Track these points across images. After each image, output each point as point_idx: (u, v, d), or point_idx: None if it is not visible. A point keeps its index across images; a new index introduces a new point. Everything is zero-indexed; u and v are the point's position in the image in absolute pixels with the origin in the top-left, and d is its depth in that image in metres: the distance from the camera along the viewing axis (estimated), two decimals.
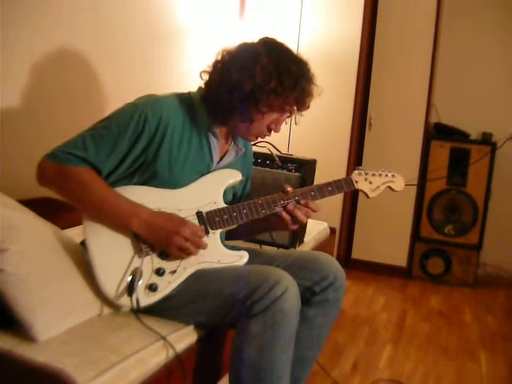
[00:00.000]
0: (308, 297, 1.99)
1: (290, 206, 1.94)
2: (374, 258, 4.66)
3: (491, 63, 4.62)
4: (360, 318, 3.67)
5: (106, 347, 1.60)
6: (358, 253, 4.72)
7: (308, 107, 1.97)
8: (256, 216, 1.94)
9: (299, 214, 1.94)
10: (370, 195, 2.06)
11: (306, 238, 3.05)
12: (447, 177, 4.46)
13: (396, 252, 4.63)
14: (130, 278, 1.79)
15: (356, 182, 2.05)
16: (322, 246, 3.33)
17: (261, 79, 1.83)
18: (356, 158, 4.51)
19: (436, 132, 4.59)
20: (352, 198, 4.60)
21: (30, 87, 2.30)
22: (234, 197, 2.16)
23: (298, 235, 2.87)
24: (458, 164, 4.44)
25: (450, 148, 4.44)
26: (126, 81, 2.83)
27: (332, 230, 3.64)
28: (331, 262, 2.04)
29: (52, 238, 1.82)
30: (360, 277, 4.46)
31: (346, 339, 3.27)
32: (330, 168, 3.69)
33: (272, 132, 1.99)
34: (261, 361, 1.70)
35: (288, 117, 1.99)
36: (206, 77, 1.95)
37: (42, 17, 2.30)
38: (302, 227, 2.94)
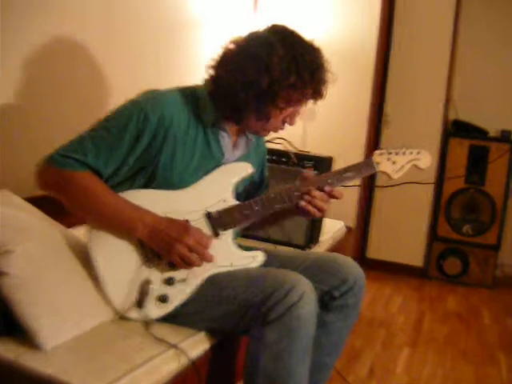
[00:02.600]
0: (326, 301, 1.91)
1: (308, 197, 1.83)
2: (390, 258, 4.56)
3: (511, 58, 4.49)
4: (376, 320, 3.58)
5: (115, 355, 1.53)
6: (373, 252, 4.63)
7: (324, 97, 1.84)
8: (270, 211, 1.84)
9: (320, 204, 1.83)
10: (394, 176, 1.91)
11: (322, 238, 2.97)
12: (465, 175, 4.36)
13: (412, 251, 4.53)
14: (138, 291, 1.72)
15: (377, 163, 1.91)
16: (339, 245, 3.25)
17: (279, 73, 1.71)
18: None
19: (454, 129, 4.48)
20: (368, 195, 4.50)
21: (37, 81, 2.23)
22: (250, 187, 2.07)
23: (313, 235, 2.79)
24: (477, 162, 4.34)
25: (469, 145, 4.34)
26: (138, 73, 2.75)
27: (348, 229, 3.56)
28: (351, 265, 1.96)
29: (59, 239, 1.76)
30: (376, 276, 4.37)
31: (362, 342, 3.18)
32: (342, 165, 3.58)
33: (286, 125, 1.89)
34: (277, 370, 1.63)
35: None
36: (212, 72, 1.83)
37: (51, 7, 2.23)
38: (318, 227, 2.85)
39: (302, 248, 2.73)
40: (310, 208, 1.83)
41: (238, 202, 1.83)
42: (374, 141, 4.43)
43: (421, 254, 4.52)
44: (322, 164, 2.71)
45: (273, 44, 1.72)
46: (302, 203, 1.83)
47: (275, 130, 1.89)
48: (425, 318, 3.68)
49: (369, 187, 4.47)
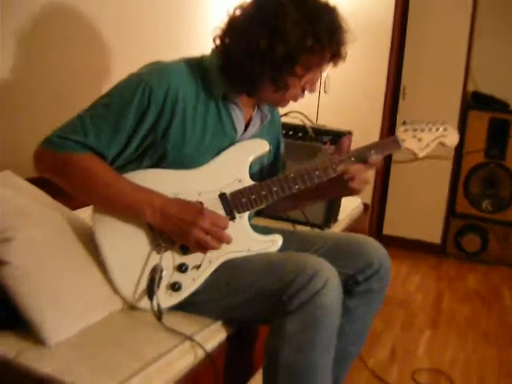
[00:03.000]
0: (350, 286, 1.79)
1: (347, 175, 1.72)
2: (407, 234, 4.45)
3: None
4: (395, 299, 3.46)
5: (125, 350, 1.41)
6: (389, 229, 4.51)
7: (345, 58, 1.69)
8: (288, 192, 1.70)
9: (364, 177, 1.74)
10: (420, 154, 1.80)
11: (341, 216, 2.84)
12: (485, 149, 4.21)
13: (430, 228, 4.42)
14: (149, 278, 1.59)
15: (403, 140, 1.79)
16: (356, 223, 3.13)
17: (295, 38, 1.55)
18: (389, 129, 4.26)
19: (474, 102, 4.31)
20: (384, 171, 4.37)
21: (41, 55, 2.09)
22: (265, 166, 1.93)
23: (332, 213, 2.66)
24: (497, 136, 4.19)
25: (489, 119, 4.19)
26: (148, 45, 2.60)
27: (365, 206, 3.43)
28: (376, 247, 1.84)
29: (63, 224, 1.63)
30: (393, 254, 4.16)
31: (381, 324, 3.06)
32: (362, 140, 3.44)
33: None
34: (299, 363, 1.51)
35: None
36: (219, 42, 1.67)
37: None
38: (336, 205, 2.72)
39: (321, 227, 2.61)
40: (354, 184, 1.73)
41: (254, 182, 1.69)
42: (391, 114, 4.28)
43: (438, 231, 4.40)
44: (340, 138, 2.56)
45: (284, 6, 1.56)
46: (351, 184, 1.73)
47: (295, 99, 1.74)
48: (444, 298, 3.57)
49: (385, 162, 4.33)
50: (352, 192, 1.77)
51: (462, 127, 4.21)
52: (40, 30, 2.06)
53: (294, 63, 1.59)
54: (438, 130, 1.82)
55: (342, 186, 1.75)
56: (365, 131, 3.87)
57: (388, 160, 4.32)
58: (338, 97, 3.89)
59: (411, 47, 4.24)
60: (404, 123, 1.81)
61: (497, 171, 4.23)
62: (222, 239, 1.59)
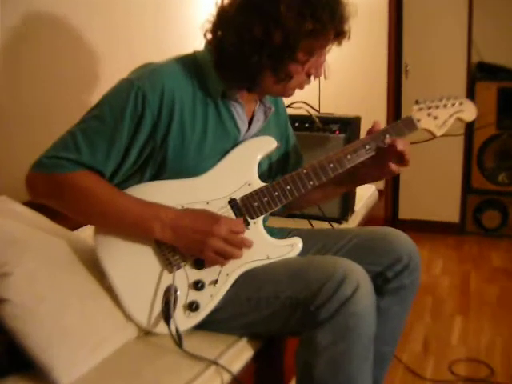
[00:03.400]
0: (380, 285, 1.66)
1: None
2: (423, 216, 4.29)
3: None
4: (420, 286, 3.30)
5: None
6: (405, 212, 4.35)
7: (349, 35, 1.53)
8: (303, 190, 1.57)
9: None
10: (438, 133, 1.69)
11: (357, 207, 2.71)
12: (496, 120, 4.04)
13: (446, 207, 4.25)
14: (163, 300, 1.46)
15: (418, 120, 1.67)
16: (373, 212, 3.00)
17: (292, 22, 1.39)
18: (394, 110, 4.12)
19: (479, 73, 4.15)
20: None
21: (32, 70, 1.96)
22: (273, 164, 1.78)
23: (348, 205, 2.53)
24: (508, 105, 4.02)
25: (498, 88, 4.02)
26: (137, 48, 2.46)
27: (379, 193, 3.30)
28: (403, 240, 1.72)
29: (65, 249, 1.51)
30: (411, 238, 4.08)
31: (410, 315, 2.89)
32: (369, 124, 3.31)
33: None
34: (336, 378, 1.38)
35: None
36: (211, 35, 1.52)
37: None
38: (352, 196, 2.59)
39: (338, 221, 2.48)
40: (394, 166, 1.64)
41: (264, 184, 1.56)
42: (395, 94, 4.13)
43: (456, 209, 4.24)
44: (350, 126, 2.44)
45: None
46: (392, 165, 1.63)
47: (301, 87, 1.59)
48: (471, 279, 3.42)
49: None
50: (383, 175, 1.68)
51: (470, 100, 4.05)
52: (28, 43, 1.93)
53: (295, 49, 1.43)
54: (453, 105, 1.72)
55: (374, 168, 1.66)
56: (370, 114, 3.70)
57: None
58: (340, 82, 3.73)
59: (410, 23, 4.07)
60: (417, 102, 1.70)
61: (510, 142, 4.06)
62: (241, 245, 1.47)
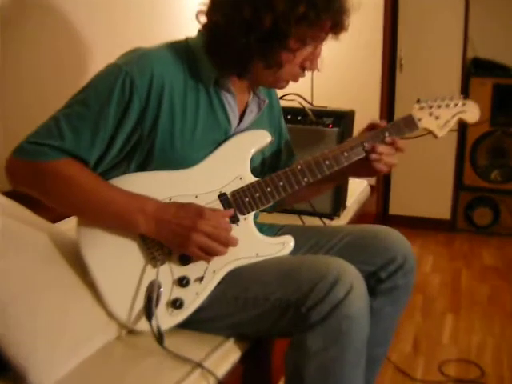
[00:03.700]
0: (373, 285, 1.60)
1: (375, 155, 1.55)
2: (414, 213, 4.24)
3: None
4: None
5: None
6: (395, 208, 4.30)
7: (347, 28, 1.46)
8: (297, 187, 1.51)
9: (390, 160, 1.58)
10: (439, 134, 1.64)
11: (348, 202, 2.65)
12: (490, 117, 3.99)
13: (438, 204, 4.20)
14: (146, 296, 1.40)
15: (419, 119, 1.61)
16: (364, 208, 2.95)
17: (283, 5, 1.31)
18: (388, 104, 4.06)
19: (475, 68, 4.10)
20: None
21: (11, 52, 1.87)
22: (266, 159, 1.72)
23: (340, 200, 2.47)
24: (502, 102, 3.97)
25: (493, 85, 3.97)
26: (121, 31, 2.37)
27: (371, 188, 3.24)
28: (398, 239, 1.66)
29: (46, 242, 1.44)
30: (402, 234, 4.05)
31: None
32: (362, 117, 3.24)
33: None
34: (328, 383, 1.32)
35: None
36: (203, 19, 1.45)
37: None
38: (344, 191, 2.53)
39: (330, 216, 2.42)
40: (380, 165, 1.56)
41: (257, 179, 1.49)
42: (389, 87, 4.07)
43: (447, 206, 4.19)
44: (343, 119, 2.38)
45: None
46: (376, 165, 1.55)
47: (294, 79, 1.51)
48: (461, 277, 3.38)
49: None
50: (374, 173, 1.60)
51: (465, 96, 3.99)
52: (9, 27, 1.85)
53: (286, 35, 1.36)
54: (456, 105, 1.66)
55: (365, 167, 1.58)
56: (363, 108, 3.65)
57: None
58: (333, 74, 3.65)
59: (405, 16, 4.01)
60: (418, 101, 1.64)
61: (504, 139, 4.02)
62: (226, 242, 1.40)
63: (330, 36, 1.46)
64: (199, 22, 1.46)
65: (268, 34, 1.35)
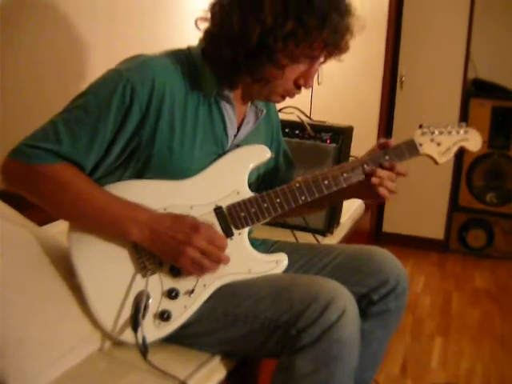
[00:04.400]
0: (364, 307, 1.56)
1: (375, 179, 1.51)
2: (408, 231, 4.23)
3: None
4: None
5: None
6: (389, 226, 4.29)
7: (346, 49, 1.43)
8: (293, 205, 1.47)
9: (390, 185, 1.54)
10: (440, 161, 1.61)
11: (343, 219, 2.62)
12: (489, 139, 3.98)
13: (432, 223, 4.19)
14: (133, 306, 1.36)
15: (420, 144, 1.58)
16: (358, 224, 2.92)
17: (272, 20, 1.29)
18: (387, 122, 4.04)
19: (475, 89, 4.09)
20: None
21: (10, 53, 1.83)
22: (261, 175, 1.68)
23: (334, 217, 2.44)
24: (501, 124, 3.97)
25: (492, 107, 3.96)
26: (122, 36, 2.33)
27: (366, 206, 3.21)
28: (391, 262, 1.62)
29: (33, 245, 1.40)
30: (394, 252, 3.99)
31: None
32: (360, 133, 3.20)
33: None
34: None
35: (322, 63, 1.47)
36: (204, 26, 1.43)
37: None
38: (338, 208, 2.50)
39: (323, 233, 2.39)
40: (381, 190, 1.52)
41: (253, 194, 1.46)
42: (388, 103, 4.05)
43: (441, 226, 4.18)
44: (342, 135, 2.35)
45: None
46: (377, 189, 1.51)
47: (288, 95, 1.49)
48: (453, 299, 3.36)
49: None
50: (377, 197, 1.55)
51: (464, 116, 4.00)
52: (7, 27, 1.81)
53: (273, 50, 1.33)
54: (458, 132, 1.63)
55: (367, 190, 1.54)
56: (362, 124, 3.63)
57: None
58: (333, 88, 3.64)
59: (408, 33, 4.01)
60: (421, 126, 1.61)
61: (501, 162, 4.01)
62: (219, 259, 1.36)
63: (326, 56, 1.44)
64: (198, 28, 1.44)
65: (255, 47, 1.33)
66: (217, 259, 1.36)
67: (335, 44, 1.39)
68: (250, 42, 1.32)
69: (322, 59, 1.44)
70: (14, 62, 1.80)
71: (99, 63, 2.01)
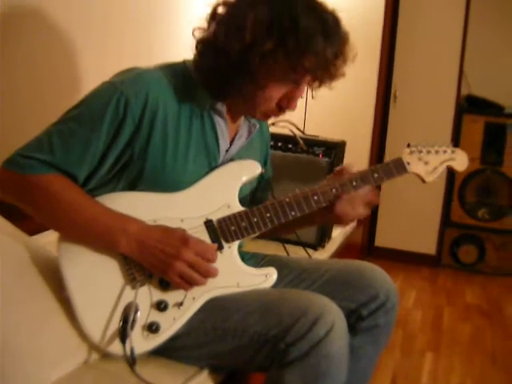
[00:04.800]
0: (353, 322, 1.56)
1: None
2: (400, 246, 4.24)
3: None
4: None
5: None
6: (381, 240, 4.29)
7: (336, 77, 1.43)
8: (283, 220, 1.48)
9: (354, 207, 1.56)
10: (427, 179, 1.63)
11: (334, 233, 2.62)
12: (481, 155, 4.00)
13: (424, 238, 4.21)
14: (121, 318, 1.35)
15: (408, 163, 1.61)
16: (350, 238, 2.92)
17: (252, 37, 1.29)
18: (380, 136, 4.05)
19: (468, 105, 4.11)
20: None
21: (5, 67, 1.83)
22: (253, 191, 1.70)
23: (325, 231, 2.44)
24: (493, 140, 3.99)
25: (485, 123, 3.99)
26: (115, 50, 2.33)
27: (358, 220, 3.21)
28: (381, 277, 1.62)
29: (22, 255, 1.38)
30: (386, 267, 3.96)
31: None
32: (353, 147, 3.22)
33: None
34: None
35: (315, 87, 1.47)
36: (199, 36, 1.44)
37: None
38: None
39: (314, 247, 2.39)
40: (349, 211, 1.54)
41: (244, 208, 1.47)
42: (382, 119, 4.07)
43: (433, 241, 4.19)
44: (334, 150, 2.37)
45: (261, 1, 1.32)
46: (341, 208, 1.53)
47: (273, 114, 1.49)
48: (444, 315, 3.36)
49: None
50: (340, 222, 1.59)
51: (457, 132, 4.02)
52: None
53: (251, 68, 1.33)
54: (445, 152, 1.66)
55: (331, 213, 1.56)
56: (355, 138, 3.66)
57: None
58: (327, 103, 3.65)
59: (402, 49, 4.04)
60: (409, 145, 1.64)
61: (493, 178, 4.03)
62: (207, 273, 1.36)
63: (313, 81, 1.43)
64: (194, 38, 1.44)
65: (234, 63, 1.33)
66: (205, 272, 1.35)
67: (321, 72, 1.38)
68: (230, 56, 1.32)
69: (307, 83, 1.43)
70: (10, 75, 1.81)
71: (93, 75, 2.00)
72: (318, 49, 1.32)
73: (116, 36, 2.23)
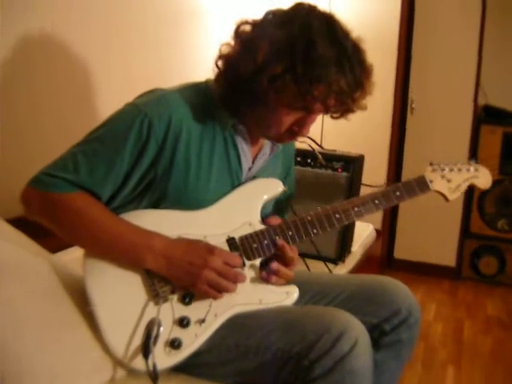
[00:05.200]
0: (376, 337, 1.56)
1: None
2: (419, 258, 4.20)
3: None
4: None
5: None
6: (400, 252, 4.26)
7: (354, 109, 1.43)
8: (305, 238, 1.49)
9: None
10: (450, 197, 1.65)
11: (354, 247, 2.62)
12: (499, 166, 3.97)
13: (443, 250, 4.16)
14: (144, 333, 1.36)
15: (431, 181, 1.61)
16: (369, 250, 2.91)
17: (263, 58, 1.29)
18: (397, 148, 4.05)
19: (485, 115, 4.09)
20: None
21: (25, 84, 1.85)
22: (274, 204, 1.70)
23: (345, 245, 2.44)
24: None
25: (503, 133, 3.96)
26: (137, 74, 2.35)
27: (377, 232, 3.21)
28: (403, 293, 1.62)
29: (47, 273, 1.40)
30: (405, 279, 3.95)
31: None
32: (371, 160, 3.21)
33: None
34: None
35: (334, 117, 1.47)
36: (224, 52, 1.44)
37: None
38: (349, 236, 2.50)
39: (334, 261, 2.39)
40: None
41: (265, 226, 1.48)
42: (399, 131, 4.06)
43: (453, 253, 4.15)
44: (353, 164, 2.37)
45: (281, 24, 1.32)
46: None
47: (285, 139, 1.48)
48: (465, 327, 3.33)
49: (394, 183, 4.11)
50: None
51: (475, 142, 4.00)
52: (20, 63, 1.83)
53: (261, 89, 1.33)
54: (468, 170, 1.67)
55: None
56: (373, 152, 3.67)
57: (397, 179, 4.09)
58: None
59: (418, 59, 4.02)
60: (431, 164, 1.65)
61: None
62: (236, 279, 1.38)
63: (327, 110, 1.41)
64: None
65: (244, 83, 1.34)
66: (234, 278, 1.37)
67: (334, 103, 1.37)
68: (243, 75, 1.33)
69: (319, 111, 1.40)
70: (32, 93, 1.84)
71: (114, 97, 2.03)
72: (330, 79, 1.29)
73: (138, 64, 2.27)
